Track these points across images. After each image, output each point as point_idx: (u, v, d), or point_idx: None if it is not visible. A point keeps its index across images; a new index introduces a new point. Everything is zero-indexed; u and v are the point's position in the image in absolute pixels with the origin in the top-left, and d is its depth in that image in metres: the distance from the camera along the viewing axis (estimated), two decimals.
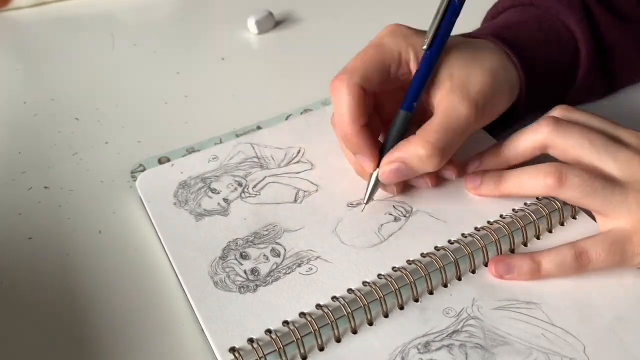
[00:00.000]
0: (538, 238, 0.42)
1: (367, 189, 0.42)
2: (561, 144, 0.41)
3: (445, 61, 0.42)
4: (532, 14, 0.50)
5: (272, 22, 0.66)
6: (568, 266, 0.39)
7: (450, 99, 0.41)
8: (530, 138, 0.42)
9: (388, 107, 0.44)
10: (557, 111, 0.43)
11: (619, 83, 0.53)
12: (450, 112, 0.40)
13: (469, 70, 0.42)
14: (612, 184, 0.39)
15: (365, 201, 0.43)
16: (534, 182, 0.40)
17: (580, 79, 0.50)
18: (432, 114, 0.41)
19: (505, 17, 0.51)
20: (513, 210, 0.43)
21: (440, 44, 0.41)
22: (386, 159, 0.41)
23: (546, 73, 0.47)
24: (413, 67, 0.42)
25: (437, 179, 0.44)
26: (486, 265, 0.40)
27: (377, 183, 0.42)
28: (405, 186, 0.44)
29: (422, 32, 0.42)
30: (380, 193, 0.44)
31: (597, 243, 0.39)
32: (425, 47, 0.41)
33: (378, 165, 0.42)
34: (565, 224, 0.43)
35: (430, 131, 0.40)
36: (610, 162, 0.39)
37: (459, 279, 0.40)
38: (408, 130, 0.42)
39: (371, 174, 0.42)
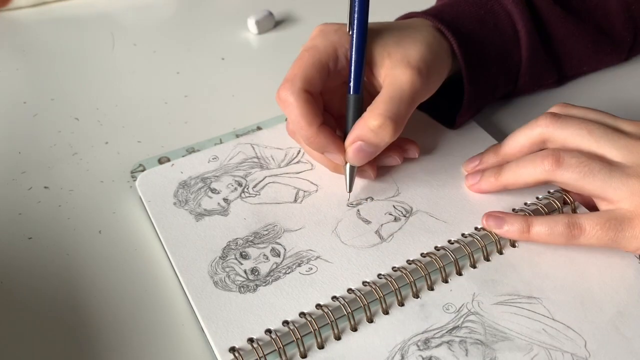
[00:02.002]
0: None
1: (345, 180, 0.44)
2: (560, 136, 0.41)
3: (379, 43, 0.43)
4: None
5: (272, 22, 0.66)
6: (559, 234, 0.39)
7: (393, 72, 0.42)
8: (528, 134, 0.42)
9: (337, 103, 0.45)
10: (555, 108, 0.43)
11: (565, 71, 0.54)
12: (395, 82, 0.41)
13: (404, 46, 0.43)
14: (611, 166, 0.39)
15: (348, 190, 0.44)
16: (533, 168, 0.41)
17: (525, 62, 0.50)
18: None
19: None
20: (513, 210, 0.43)
21: (361, 22, 0.42)
22: (347, 140, 0.42)
23: (484, 52, 0.48)
24: None
25: (404, 156, 0.46)
26: (487, 260, 0.40)
27: (353, 170, 0.43)
28: (380, 169, 0.46)
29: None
30: (380, 193, 0.45)
31: (594, 218, 0.39)
32: (348, 30, 0.42)
33: None
34: None
35: (378, 103, 0.41)
36: (610, 149, 0.39)
37: (460, 274, 0.40)
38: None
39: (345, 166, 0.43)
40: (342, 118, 0.44)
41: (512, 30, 0.49)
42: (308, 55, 0.42)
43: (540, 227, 0.39)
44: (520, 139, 0.43)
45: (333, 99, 0.45)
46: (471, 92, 0.47)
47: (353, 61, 0.42)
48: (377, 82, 0.43)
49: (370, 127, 0.40)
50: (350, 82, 0.42)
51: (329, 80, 0.43)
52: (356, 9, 0.42)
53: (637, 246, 0.38)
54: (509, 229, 0.40)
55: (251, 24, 0.65)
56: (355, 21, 0.42)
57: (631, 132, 0.40)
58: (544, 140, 0.42)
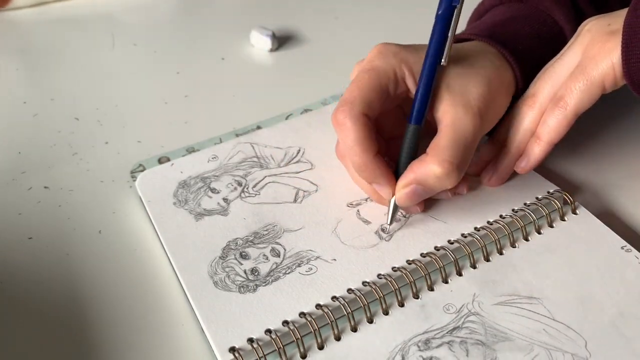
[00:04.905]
0: (539, 232, 0.42)
1: (388, 212, 0.42)
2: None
3: (440, 72, 0.41)
4: (520, 10, 0.49)
5: (275, 43, 0.64)
6: (559, 122, 0.41)
7: (454, 113, 0.40)
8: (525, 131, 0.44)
9: (387, 125, 0.43)
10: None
11: None
12: (457, 126, 0.39)
13: (465, 80, 0.41)
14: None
15: (388, 223, 0.42)
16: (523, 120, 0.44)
17: None
18: (435, 126, 0.41)
19: (493, 14, 0.50)
20: (513, 210, 0.43)
21: (435, 52, 0.40)
22: (401, 181, 0.40)
23: (540, 67, 0.47)
24: (410, 83, 0.41)
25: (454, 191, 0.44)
26: (487, 261, 0.40)
27: (397, 206, 0.42)
28: (428, 202, 0.44)
29: (410, 47, 0.42)
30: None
31: (565, 84, 0.41)
32: (444, 62, 0.40)
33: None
34: (566, 218, 0.43)
35: (442, 148, 0.39)
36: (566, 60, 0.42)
37: (460, 274, 0.40)
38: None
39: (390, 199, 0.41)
40: (392, 140, 0.43)
41: (562, 44, 0.47)
42: (368, 77, 0.40)
43: (546, 133, 0.43)
44: (521, 139, 0.44)
45: (384, 121, 0.43)
46: None
47: (420, 91, 0.40)
48: (433, 113, 0.41)
49: (436, 173, 0.39)
50: (413, 111, 0.40)
51: (385, 104, 0.41)
52: (435, 38, 0.40)
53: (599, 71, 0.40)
54: (529, 160, 0.43)
55: (255, 40, 0.63)
56: (431, 50, 0.40)
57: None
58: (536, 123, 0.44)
